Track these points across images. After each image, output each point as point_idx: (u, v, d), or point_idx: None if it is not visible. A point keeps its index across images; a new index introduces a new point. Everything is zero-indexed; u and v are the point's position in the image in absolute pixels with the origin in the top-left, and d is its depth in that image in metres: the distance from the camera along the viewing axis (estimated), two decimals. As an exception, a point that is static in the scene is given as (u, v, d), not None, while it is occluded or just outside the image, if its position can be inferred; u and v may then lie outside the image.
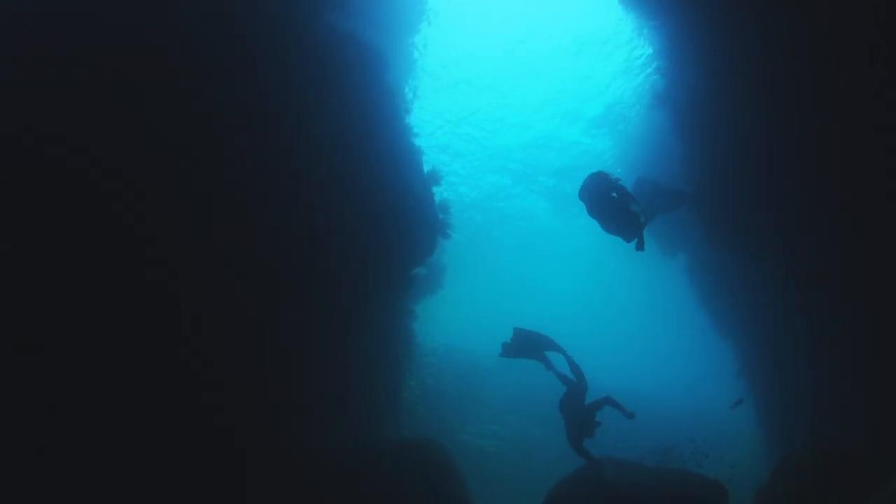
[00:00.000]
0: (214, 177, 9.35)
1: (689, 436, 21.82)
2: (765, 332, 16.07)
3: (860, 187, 8.91)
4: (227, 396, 9.61)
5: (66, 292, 8.22)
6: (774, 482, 9.02)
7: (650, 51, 17.29)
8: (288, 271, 10.91)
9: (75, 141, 7.95)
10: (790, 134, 9.72)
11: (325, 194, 11.10)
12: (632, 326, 54.55)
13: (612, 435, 25.68)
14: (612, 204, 9.48)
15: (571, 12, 23.94)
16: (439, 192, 15.78)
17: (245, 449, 9.67)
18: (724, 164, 11.39)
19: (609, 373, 35.88)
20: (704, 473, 10.44)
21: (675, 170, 13.59)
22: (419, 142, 14.89)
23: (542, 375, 29.07)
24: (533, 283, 49.71)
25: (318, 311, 12.17)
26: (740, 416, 24.45)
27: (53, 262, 8.19)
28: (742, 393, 19.49)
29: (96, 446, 8.20)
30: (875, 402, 10.00)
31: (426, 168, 15.01)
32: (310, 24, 10.32)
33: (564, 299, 52.86)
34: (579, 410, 10.93)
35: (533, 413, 27.48)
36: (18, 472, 7.73)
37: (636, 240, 10.25)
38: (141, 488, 8.39)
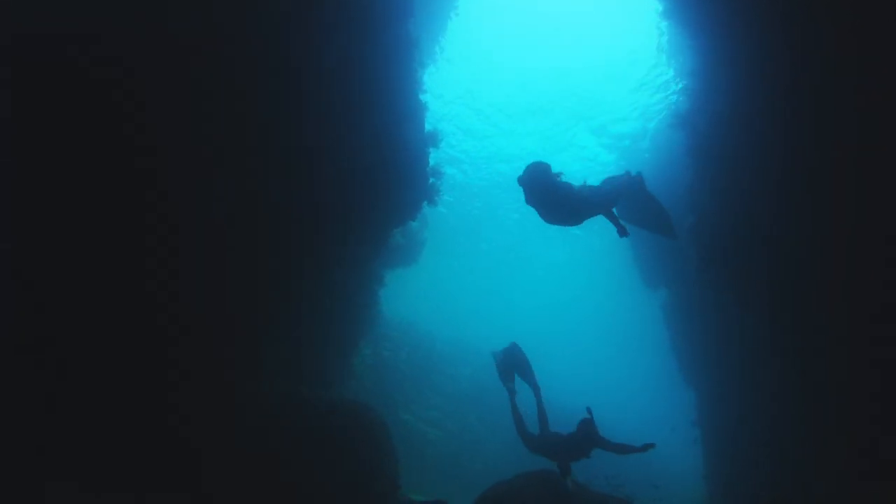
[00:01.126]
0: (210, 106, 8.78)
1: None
2: (727, 386, 15.74)
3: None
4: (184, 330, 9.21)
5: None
6: None
7: (673, 71, 16.82)
8: (269, 207, 10.39)
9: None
10: (806, 183, 9.22)
11: (320, 132, 10.46)
12: (602, 350, 54.52)
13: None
14: (552, 195, 9.00)
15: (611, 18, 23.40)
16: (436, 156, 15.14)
17: (188, 389, 9.31)
18: (732, 198, 10.87)
19: (567, 389, 35.95)
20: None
21: (680, 195, 13.06)
22: (431, 103, 14.37)
23: (496, 375, 29.01)
24: (511, 285, 49.30)
25: (291, 255, 11.67)
26: (688, 462, 24.19)
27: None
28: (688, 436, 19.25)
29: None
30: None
31: (428, 127, 14.39)
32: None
33: (538, 309, 52.68)
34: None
35: (479, 410, 27.16)
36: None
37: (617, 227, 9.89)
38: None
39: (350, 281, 15.43)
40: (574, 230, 35.93)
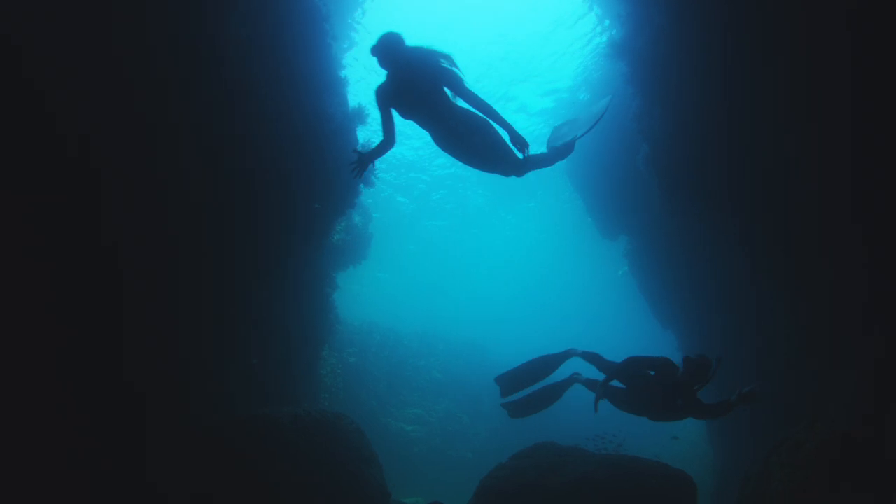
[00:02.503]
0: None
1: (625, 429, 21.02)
2: (706, 323, 15.19)
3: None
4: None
5: None
6: (766, 472, 7.57)
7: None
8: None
9: None
10: (760, 88, 8.51)
11: (228, 116, 9.23)
12: (571, 311, 54.31)
13: (547, 422, 24.97)
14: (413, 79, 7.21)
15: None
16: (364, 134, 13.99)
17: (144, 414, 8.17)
18: (685, 117, 10.11)
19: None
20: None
21: (629, 128, 12.31)
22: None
23: (467, 359, 28.19)
24: (466, 265, 48.54)
25: (235, 270, 10.53)
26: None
27: None
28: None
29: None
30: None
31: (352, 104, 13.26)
32: None
33: (500, 283, 52.13)
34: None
35: (459, 397, 26.30)
36: None
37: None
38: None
39: (301, 289, 14.36)
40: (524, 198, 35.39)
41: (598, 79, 19.40)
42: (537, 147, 8.25)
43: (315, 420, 9.35)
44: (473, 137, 7.53)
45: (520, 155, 7.54)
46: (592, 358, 9.13)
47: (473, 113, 7.43)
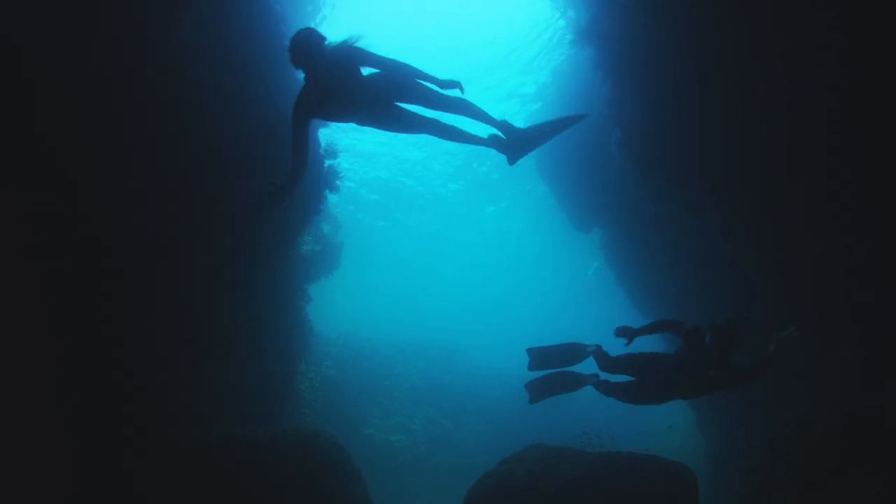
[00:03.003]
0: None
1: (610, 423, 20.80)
2: (685, 309, 14.95)
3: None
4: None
5: None
6: (772, 459, 7.20)
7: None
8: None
9: None
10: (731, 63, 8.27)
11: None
12: (549, 310, 54.08)
13: (536, 422, 24.63)
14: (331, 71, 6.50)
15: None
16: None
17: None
18: (656, 98, 9.83)
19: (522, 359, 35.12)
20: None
21: (600, 114, 11.99)
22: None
23: (447, 364, 27.73)
24: (439, 269, 48.06)
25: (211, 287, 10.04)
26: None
27: None
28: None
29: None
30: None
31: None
32: None
33: (477, 286, 51.75)
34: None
35: (441, 403, 25.86)
36: None
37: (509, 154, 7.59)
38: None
39: (273, 303, 13.88)
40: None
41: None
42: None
43: (292, 438, 8.92)
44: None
45: (460, 93, 6.78)
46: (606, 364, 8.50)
47: (404, 81, 6.76)
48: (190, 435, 9.53)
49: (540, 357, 8.85)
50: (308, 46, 6.42)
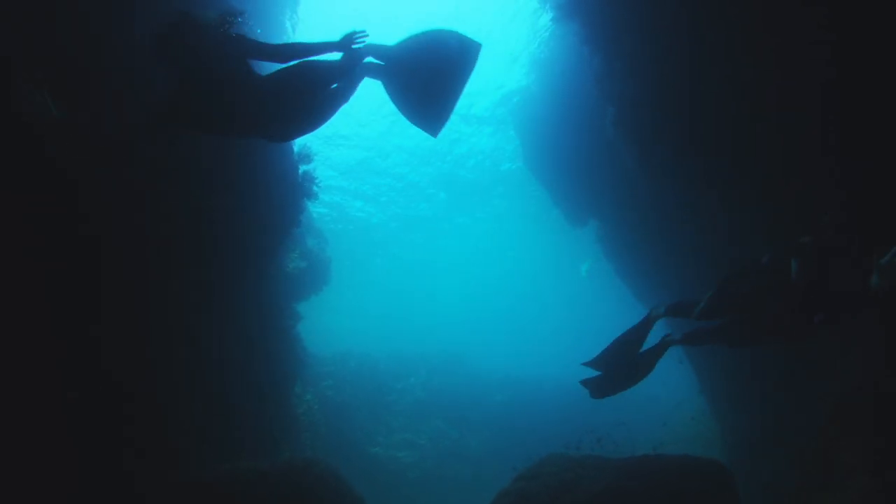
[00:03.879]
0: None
1: (619, 419, 20.16)
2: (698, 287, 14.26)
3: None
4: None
5: None
6: (828, 447, 6.39)
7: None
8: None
9: None
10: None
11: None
12: (550, 311, 53.41)
13: (534, 421, 23.89)
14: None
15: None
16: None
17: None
18: (651, 68, 9.13)
19: (523, 363, 34.49)
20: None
21: (590, 94, 11.31)
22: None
23: (449, 373, 26.97)
24: (431, 277, 47.26)
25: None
26: (677, 386, 22.97)
27: None
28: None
29: None
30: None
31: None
32: None
33: (474, 293, 51.03)
34: None
35: (446, 414, 25.05)
36: None
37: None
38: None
39: (260, 325, 13.11)
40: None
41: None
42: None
43: (283, 473, 8.08)
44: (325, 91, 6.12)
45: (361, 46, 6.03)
46: (677, 308, 7.67)
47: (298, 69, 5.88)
48: (175, 472, 8.81)
49: (603, 363, 7.90)
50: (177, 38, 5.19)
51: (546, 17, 16.23)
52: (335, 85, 6.17)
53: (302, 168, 12.02)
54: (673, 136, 9.28)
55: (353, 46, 5.99)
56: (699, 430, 21.78)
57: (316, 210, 26.93)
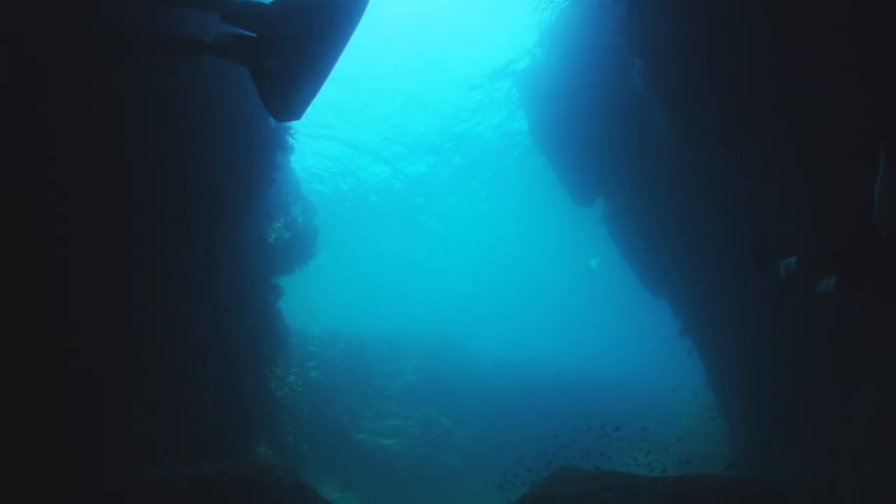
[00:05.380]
0: None
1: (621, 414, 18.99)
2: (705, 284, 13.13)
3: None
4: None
5: None
6: None
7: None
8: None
9: None
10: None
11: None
12: (550, 298, 52.23)
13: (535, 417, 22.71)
14: None
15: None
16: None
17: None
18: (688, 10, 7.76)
19: (522, 352, 33.25)
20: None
21: (612, 45, 9.92)
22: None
23: (442, 357, 25.67)
24: (425, 255, 45.61)
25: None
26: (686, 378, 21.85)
27: None
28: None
29: None
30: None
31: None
32: None
33: (472, 274, 49.65)
34: None
35: (438, 400, 23.71)
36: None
37: None
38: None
39: (234, 299, 11.80)
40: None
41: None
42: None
43: (230, 480, 6.68)
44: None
45: None
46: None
47: None
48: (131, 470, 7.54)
49: None
50: None
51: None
52: None
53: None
54: (715, 88, 7.90)
55: None
56: (707, 426, 20.83)
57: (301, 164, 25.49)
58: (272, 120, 9.49)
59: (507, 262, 47.67)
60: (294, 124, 10.38)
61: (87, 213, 6.81)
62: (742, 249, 10.51)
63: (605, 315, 50.45)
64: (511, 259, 46.77)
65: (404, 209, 36.69)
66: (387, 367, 24.29)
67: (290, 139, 11.16)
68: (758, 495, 5.78)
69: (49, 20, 5.83)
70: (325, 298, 41.54)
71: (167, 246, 8.36)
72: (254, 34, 5.60)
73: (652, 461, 15.20)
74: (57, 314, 6.75)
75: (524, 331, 51.76)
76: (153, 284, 8.30)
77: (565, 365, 28.38)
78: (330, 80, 6.02)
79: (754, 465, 12.87)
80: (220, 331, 11.35)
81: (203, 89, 8.42)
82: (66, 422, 6.84)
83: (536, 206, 33.56)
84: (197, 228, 8.98)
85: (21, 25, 5.71)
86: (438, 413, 23.19)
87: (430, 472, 21.20)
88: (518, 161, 29.93)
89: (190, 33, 6.34)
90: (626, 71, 10.02)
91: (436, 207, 37.35)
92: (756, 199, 9.04)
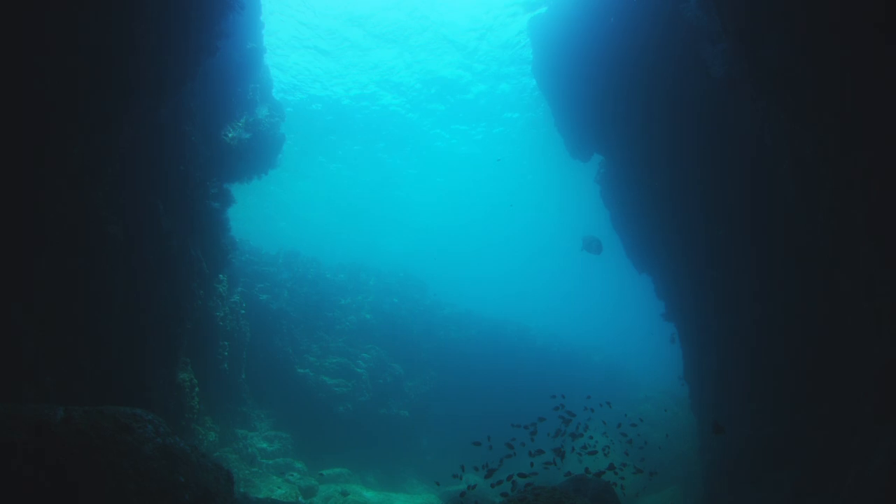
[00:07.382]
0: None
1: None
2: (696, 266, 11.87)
3: None
4: None
5: None
6: None
7: None
8: None
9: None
10: None
11: None
12: (526, 255, 51.01)
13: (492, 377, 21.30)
14: None
15: None
16: None
17: None
18: None
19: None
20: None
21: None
22: None
23: (403, 296, 23.95)
24: (405, 191, 43.36)
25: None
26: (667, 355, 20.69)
27: None
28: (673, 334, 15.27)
29: None
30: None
31: None
32: None
33: (444, 214, 47.74)
34: None
35: (392, 343, 22.05)
36: None
37: None
38: None
39: (161, 196, 9.89)
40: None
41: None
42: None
43: (73, 434, 4.72)
44: None
45: None
46: None
47: None
48: None
49: None
50: None
51: None
52: None
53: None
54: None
55: None
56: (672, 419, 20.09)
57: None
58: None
59: (490, 215, 45.90)
60: None
61: None
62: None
63: (582, 283, 49.32)
64: (496, 212, 44.95)
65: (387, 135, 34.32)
66: (342, 300, 22.49)
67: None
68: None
69: None
70: (295, 223, 39.36)
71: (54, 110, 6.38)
72: None
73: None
74: None
75: (495, 285, 50.51)
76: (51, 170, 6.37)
77: (532, 326, 26.99)
78: None
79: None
80: (139, 234, 9.49)
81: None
82: None
83: (529, 156, 31.85)
84: (101, 97, 6.97)
85: None
86: (391, 357, 21.58)
87: (374, 421, 19.65)
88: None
89: None
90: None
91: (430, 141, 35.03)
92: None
